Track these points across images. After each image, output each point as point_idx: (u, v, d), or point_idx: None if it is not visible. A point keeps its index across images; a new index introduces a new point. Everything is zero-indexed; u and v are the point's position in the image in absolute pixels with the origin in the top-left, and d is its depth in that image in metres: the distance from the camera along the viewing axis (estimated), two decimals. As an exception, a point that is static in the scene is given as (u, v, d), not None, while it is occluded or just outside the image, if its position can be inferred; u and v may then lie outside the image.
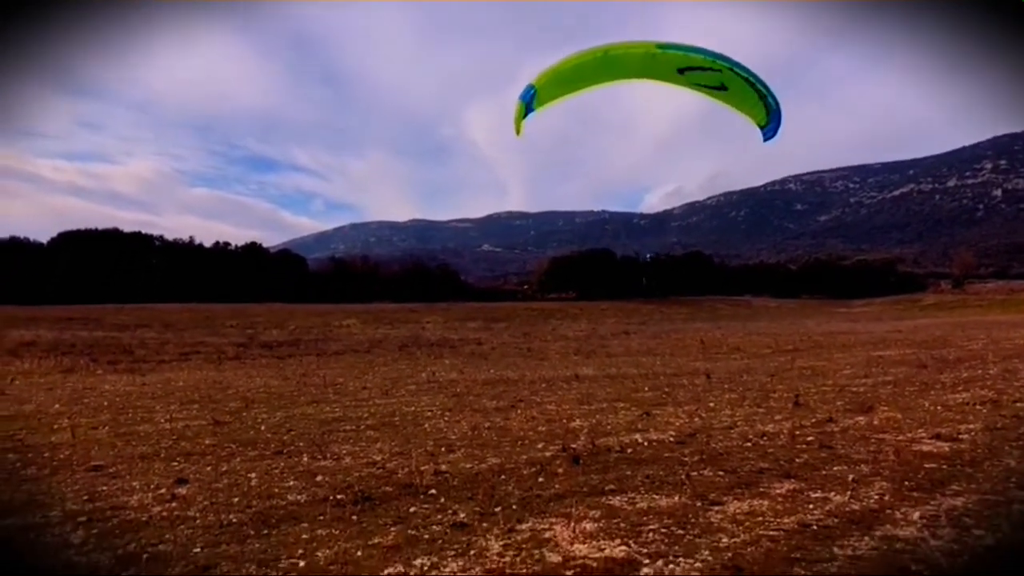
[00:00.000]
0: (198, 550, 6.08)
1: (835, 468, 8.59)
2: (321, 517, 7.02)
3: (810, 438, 10.46)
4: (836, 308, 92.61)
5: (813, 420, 12.06)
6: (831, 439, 10.32)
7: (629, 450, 9.92)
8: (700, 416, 12.83)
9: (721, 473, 8.51)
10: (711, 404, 14.33)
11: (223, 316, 65.57)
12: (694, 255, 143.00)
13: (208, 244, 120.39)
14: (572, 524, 6.56)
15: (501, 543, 6.12)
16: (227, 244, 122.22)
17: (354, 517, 7.01)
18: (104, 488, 8.24)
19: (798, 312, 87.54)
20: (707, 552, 5.81)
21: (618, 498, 7.50)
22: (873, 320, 68.96)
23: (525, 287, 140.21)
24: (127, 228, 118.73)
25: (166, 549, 6.11)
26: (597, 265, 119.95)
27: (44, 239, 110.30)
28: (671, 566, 5.52)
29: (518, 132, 9.57)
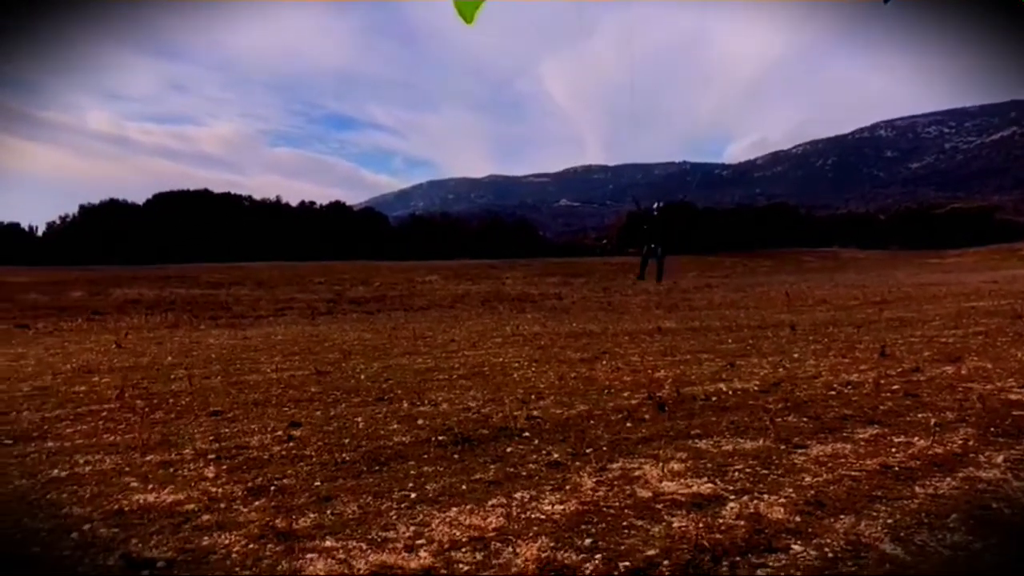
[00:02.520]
0: (318, 483, 6.71)
1: (919, 415, 8.75)
2: (426, 456, 7.60)
3: (895, 387, 10.57)
4: (928, 258, 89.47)
5: (899, 370, 12.10)
6: (917, 388, 10.41)
7: (713, 398, 10.23)
8: (784, 366, 13.00)
9: (805, 419, 8.76)
10: (795, 355, 14.45)
11: (311, 274, 67.59)
12: (778, 206, 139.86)
13: (294, 203, 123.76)
14: (660, 464, 6.97)
15: (594, 480, 6.57)
16: (312, 203, 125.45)
17: (456, 456, 7.57)
18: (226, 430, 9.02)
19: (887, 263, 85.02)
20: (791, 489, 6.14)
21: (704, 441, 7.86)
22: (967, 270, 66.57)
23: (604, 242, 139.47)
24: (215, 188, 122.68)
25: (290, 482, 6.76)
26: (677, 218, 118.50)
27: (140, 200, 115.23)
28: (756, 501, 5.87)
29: (469, 19, 7.15)
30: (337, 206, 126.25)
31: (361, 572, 4.71)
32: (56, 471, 7.30)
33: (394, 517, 5.76)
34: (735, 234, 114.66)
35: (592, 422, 8.97)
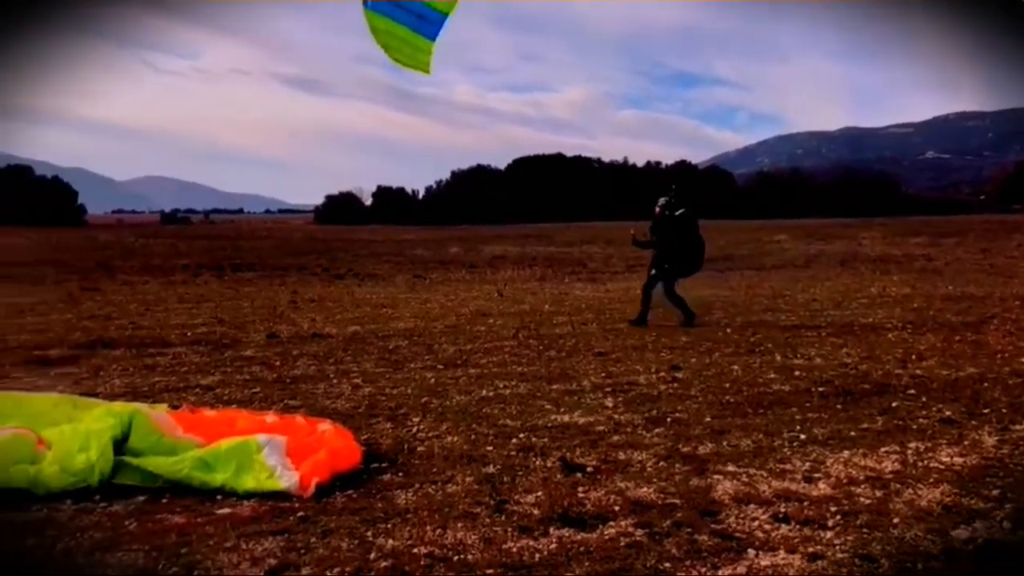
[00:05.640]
0: (709, 419, 7.34)
1: None
2: (808, 404, 7.90)
3: None
4: None
5: None
6: None
7: None
8: None
9: None
10: None
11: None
12: None
13: (640, 164, 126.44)
14: (1079, 430, 6.59)
15: (995, 438, 6.43)
16: (658, 163, 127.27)
17: (838, 406, 7.77)
18: (613, 369, 10.02)
19: None
20: None
21: None
22: None
23: (981, 197, 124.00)
24: (566, 152, 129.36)
25: (682, 416, 7.47)
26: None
27: (501, 165, 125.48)
28: None
29: (428, 70, 6.82)
30: (682, 165, 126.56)
31: (766, 494, 5.24)
32: (484, 391, 8.76)
33: (788, 453, 6.20)
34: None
35: (986, 384, 8.57)
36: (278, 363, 10.71)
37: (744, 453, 6.21)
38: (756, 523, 4.72)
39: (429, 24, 6.51)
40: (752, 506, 5.00)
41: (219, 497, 5.24)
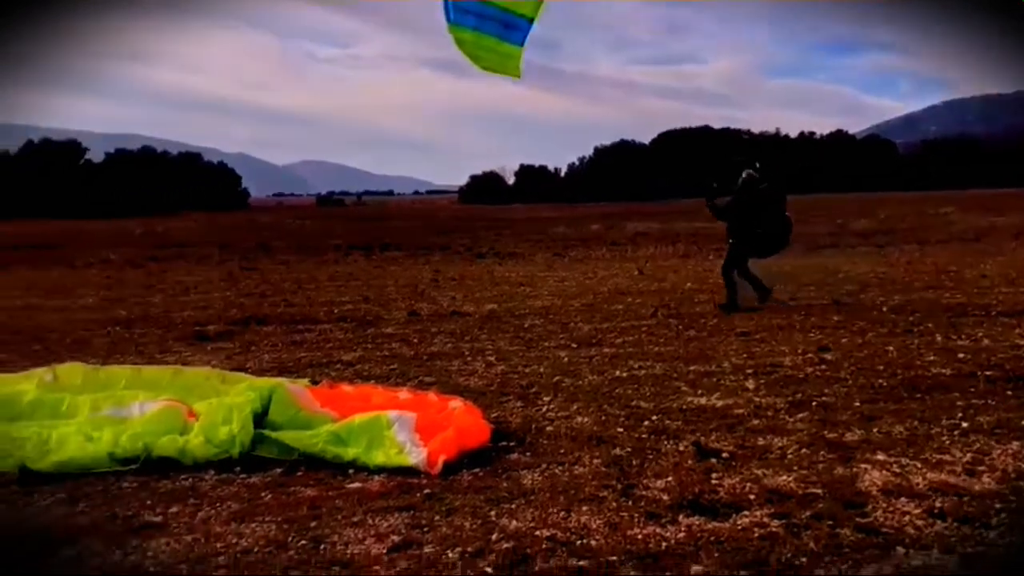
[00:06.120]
0: (858, 404, 6.87)
1: None
2: (972, 389, 7.24)
3: None
4: None
5: None
6: None
7: None
8: None
9: None
10: None
11: (807, 208, 65.73)
12: None
13: (793, 135, 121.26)
14: None
15: None
16: (812, 133, 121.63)
17: (1008, 392, 7.09)
18: (756, 349, 9.60)
19: None
20: None
21: None
22: None
23: None
24: (714, 124, 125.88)
25: (829, 400, 7.03)
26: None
27: (646, 140, 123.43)
28: None
29: (519, 74, 7.22)
30: (838, 135, 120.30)
31: (920, 487, 4.82)
32: (617, 372, 8.58)
33: (946, 442, 5.70)
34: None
35: None
36: (416, 340, 10.94)
37: (896, 441, 5.76)
38: (907, 518, 4.34)
39: (515, 31, 6.81)
40: (903, 499, 4.61)
41: (351, 471, 5.36)
